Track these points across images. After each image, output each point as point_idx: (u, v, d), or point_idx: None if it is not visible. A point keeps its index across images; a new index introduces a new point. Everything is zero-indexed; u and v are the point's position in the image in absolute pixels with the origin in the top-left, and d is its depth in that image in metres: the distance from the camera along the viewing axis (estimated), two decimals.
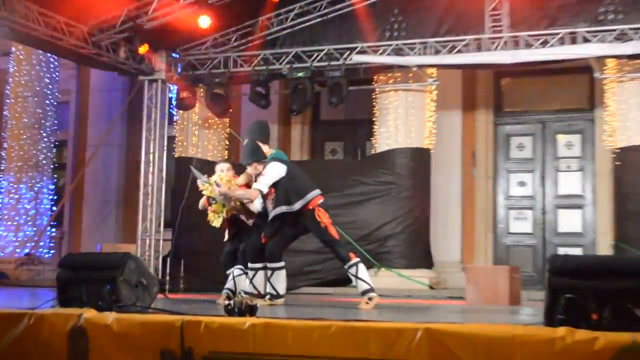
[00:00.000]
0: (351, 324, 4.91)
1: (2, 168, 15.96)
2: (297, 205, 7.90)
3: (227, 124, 14.33)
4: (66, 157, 17.29)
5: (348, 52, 12.49)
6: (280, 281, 8.11)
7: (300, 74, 12.61)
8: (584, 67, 12.61)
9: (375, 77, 13.17)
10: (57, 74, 16.28)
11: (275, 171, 7.97)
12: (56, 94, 16.29)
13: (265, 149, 8.15)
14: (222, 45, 13.24)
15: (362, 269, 7.89)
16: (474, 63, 12.08)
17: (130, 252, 6.54)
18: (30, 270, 15.16)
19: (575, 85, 13.73)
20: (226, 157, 14.14)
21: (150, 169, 13.32)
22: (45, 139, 16.00)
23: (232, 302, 5.31)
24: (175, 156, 14.10)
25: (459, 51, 11.97)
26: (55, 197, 16.13)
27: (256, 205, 8.15)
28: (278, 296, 8.08)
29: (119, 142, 16.24)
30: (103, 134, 15.18)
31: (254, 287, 8.25)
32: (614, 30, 11.24)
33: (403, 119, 12.85)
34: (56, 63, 16.18)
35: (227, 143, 14.38)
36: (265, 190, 7.89)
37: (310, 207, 7.94)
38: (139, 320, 5.28)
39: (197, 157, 13.71)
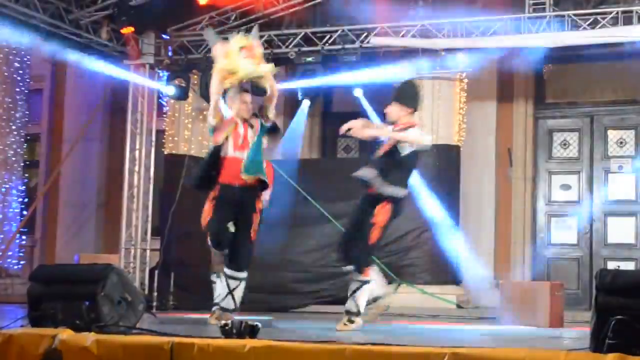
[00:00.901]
0: (367, 348, 4.94)
1: None
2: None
3: None
4: (39, 153, 17.35)
5: (365, 34, 12.50)
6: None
7: (309, 59, 12.63)
8: (639, 52, 12.58)
9: (397, 63, 13.18)
10: (28, 57, 16.33)
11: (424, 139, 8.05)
12: (27, 80, 16.32)
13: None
14: (219, 25, 13.26)
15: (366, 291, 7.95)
16: (511, 47, 12.08)
17: (113, 264, 6.58)
18: None
19: (629, 73, 13.68)
20: None
21: (136, 167, 13.37)
22: (15, 133, 16.03)
23: (229, 322, 5.33)
24: (165, 153, 14.14)
25: (495, 33, 11.96)
26: (25, 200, 16.16)
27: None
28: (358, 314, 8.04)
29: (99, 137, 16.29)
30: (82, 127, 15.23)
31: (234, 300, 8.23)
32: None
33: (429, 112, 12.85)
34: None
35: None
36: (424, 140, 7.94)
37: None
38: (122, 342, 5.31)
39: (190, 154, 13.73)
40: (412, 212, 12.62)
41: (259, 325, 5.36)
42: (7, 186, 15.86)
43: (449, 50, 12.41)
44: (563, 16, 11.67)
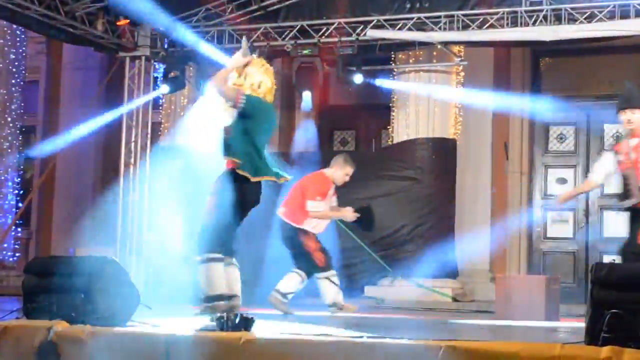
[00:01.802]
0: (362, 341, 4.94)
1: None
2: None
3: None
4: (34, 145, 17.32)
5: (362, 27, 12.48)
6: None
7: (306, 51, 12.62)
8: (637, 46, 12.59)
9: (393, 55, 13.18)
10: (24, 48, 16.31)
11: None
12: (23, 72, 16.32)
13: None
14: (215, 17, 13.24)
15: None
16: (508, 40, 12.09)
17: (108, 256, 6.57)
18: None
19: (626, 66, 13.70)
20: None
21: (132, 160, 13.34)
22: (10, 125, 16.03)
23: (224, 314, 5.33)
24: (161, 145, 14.12)
25: (491, 26, 11.95)
26: (21, 192, 16.17)
27: None
28: None
29: (95, 129, 16.25)
30: (78, 119, 15.20)
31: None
32: None
33: (425, 105, 12.88)
34: (23, 36, 16.20)
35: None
36: None
37: None
38: (118, 334, 5.31)
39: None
40: (409, 204, 12.66)
41: (254, 317, 5.36)
42: (3, 178, 15.86)
43: (446, 43, 12.41)
44: (560, 9, 11.66)
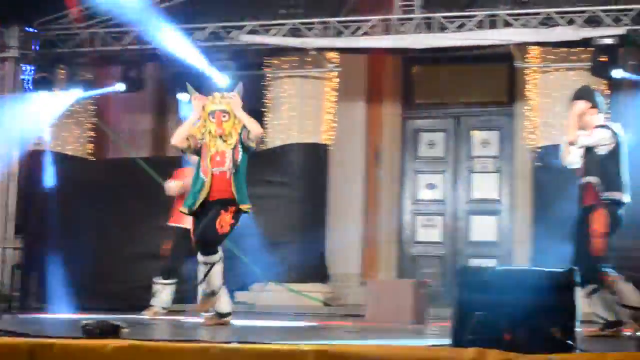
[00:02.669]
0: (232, 347, 4.91)
1: None
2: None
3: (93, 113, 14.09)
4: None
5: (236, 31, 12.45)
6: None
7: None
8: (504, 55, 12.84)
9: (267, 61, 13.17)
10: None
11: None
12: None
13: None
14: (88, 19, 13.02)
15: None
16: (380, 47, 12.22)
17: None
18: None
19: (493, 75, 14.03)
20: (90, 151, 13.93)
21: None
22: None
23: (90, 321, 5.23)
24: (30, 150, 13.76)
25: (365, 33, 12.07)
26: None
27: None
28: None
29: None
30: None
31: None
32: (539, 14, 11.55)
33: (298, 110, 12.90)
34: None
35: (93, 135, 14.11)
36: None
37: None
38: None
39: (56, 151, 13.41)
40: (280, 209, 12.66)
41: (122, 324, 5.27)
42: None
43: (319, 49, 12.48)
44: (431, 18, 11.86)
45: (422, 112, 14.36)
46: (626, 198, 7.70)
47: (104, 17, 12.91)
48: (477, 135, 14.00)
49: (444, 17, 11.83)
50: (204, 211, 8.04)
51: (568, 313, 4.94)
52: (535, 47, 12.12)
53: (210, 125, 8.13)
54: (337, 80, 13.10)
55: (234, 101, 8.16)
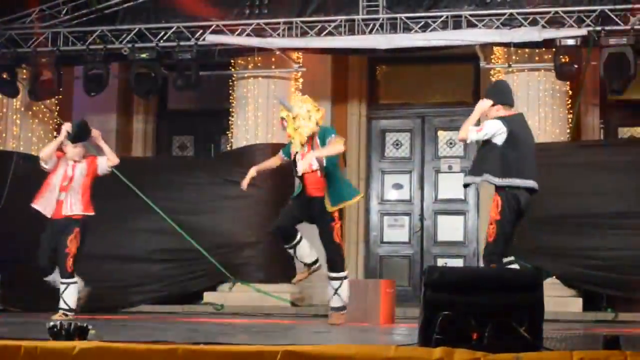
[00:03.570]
0: (200, 348, 4.92)
1: None
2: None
3: (56, 113, 13.99)
4: None
5: (201, 31, 12.44)
6: None
7: (144, 55, 12.46)
8: (469, 56, 12.94)
9: (232, 61, 13.17)
10: None
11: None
12: None
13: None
14: (50, 18, 12.94)
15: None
16: (345, 47, 12.27)
17: None
18: None
19: (459, 75, 14.11)
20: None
21: None
22: None
23: (57, 322, 5.20)
24: None
25: (329, 33, 12.11)
26: None
27: None
28: None
29: None
30: None
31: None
32: (502, 14, 11.64)
33: (264, 111, 12.90)
34: None
35: (56, 135, 14.00)
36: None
37: None
38: None
39: (19, 151, 13.31)
40: (247, 210, 12.65)
41: (89, 326, 5.25)
42: None
43: (284, 49, 12.50)
44: (396, 18, 11.92)
45: (387, 112, 14.42)
46: (525, 183, 7.82)
47: (66, 17, 12.85)
48: (443, 135, 14.07)
49: (409, 18, 11.90)
50: None
51: (535, 312, 4.99)
52: (500, 47, 12.22)
53: None
54: (302, 80, 13.12)
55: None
